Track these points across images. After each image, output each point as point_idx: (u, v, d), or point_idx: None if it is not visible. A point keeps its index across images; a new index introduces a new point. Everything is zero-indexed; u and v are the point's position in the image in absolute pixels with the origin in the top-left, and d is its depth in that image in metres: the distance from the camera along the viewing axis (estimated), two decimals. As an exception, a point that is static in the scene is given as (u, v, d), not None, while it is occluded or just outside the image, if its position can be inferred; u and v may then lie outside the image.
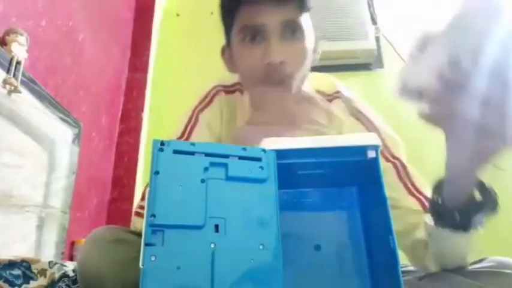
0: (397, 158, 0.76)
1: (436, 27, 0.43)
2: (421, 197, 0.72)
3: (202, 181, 0.43)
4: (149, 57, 1.98)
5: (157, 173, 0.42)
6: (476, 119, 0.41)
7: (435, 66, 0.41)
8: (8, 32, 1.05)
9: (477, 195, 0.54)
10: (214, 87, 0.87)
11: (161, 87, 2.00)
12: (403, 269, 0.74)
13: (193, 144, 0.45)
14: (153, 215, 0.41)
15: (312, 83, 0.82)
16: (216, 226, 0.42)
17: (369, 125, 0.79)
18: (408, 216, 0.71)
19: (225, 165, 0.45)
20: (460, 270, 0.63)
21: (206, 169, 0.44)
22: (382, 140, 0.75)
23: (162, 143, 0.44)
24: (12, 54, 1.03)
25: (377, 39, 1.99)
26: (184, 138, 0.82)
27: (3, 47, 1.03)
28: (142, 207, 0.74)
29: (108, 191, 1.71)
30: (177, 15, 2.17)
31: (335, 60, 1.92)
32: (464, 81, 0.40)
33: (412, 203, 0.72)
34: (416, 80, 0.43)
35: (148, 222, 0.40)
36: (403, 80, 0.44)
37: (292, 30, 0.71)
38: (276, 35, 0.70)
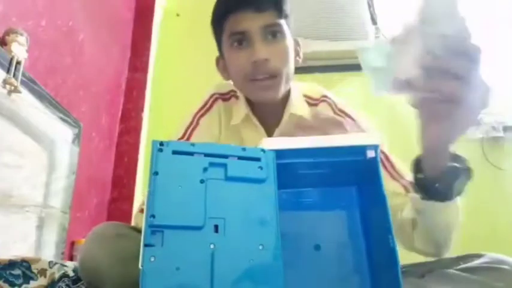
0: None
1: (411, 20, 0.47)
2: (403, 181, 0.79)
3: (202, 181, 0.43)
4: (149, 57, 1.98)
5: (156, 173, 0.42)
6: (451, 95, 0.47)
7: (416, 57, 0.46)
8: (8, 32, 1.05)
9: (452, 165, 0.59)
10: (212, 94, 0.93)
11: (161, 87, 2.00)
12: (403, 269, 0.74)
13: (192, 144, 0.45)
14: (153, 216, 0.41)
15: (301, 89, 0.91)
16: (216, 226, 0.41)
17: (349, 121, 0.86)
18: (392, 199, 0.74)
19: (224, 166, 0.44)
20: (458, 266, 0.64)
21: (205, 169, 0.44)
22: (362, 131, 0.82)
23: (162, 144, 0.44)
24: (12, 54, 1.03)
25: (377, 39, 1.99)
26: (184, 139, 0.86)
27: (3, 47, 1.03)
28: None
29: (108, 191, 1.72)
30: (177, 15, 2.17)
31: (335, 60, 1.92)
32: (441, 65, 0.46)
33: (395, 186, 0.78)
34: (403, 73, 0.47)
35: (147, 223, 0.40)
36: (396, 77, 0.48)
37: (273, 32, 0.81)
38: (259, 38, 0.80)
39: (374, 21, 2.02)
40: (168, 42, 2.10)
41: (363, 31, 1.97)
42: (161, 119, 1.91)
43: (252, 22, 0.79)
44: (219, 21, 0.84)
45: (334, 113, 0.88)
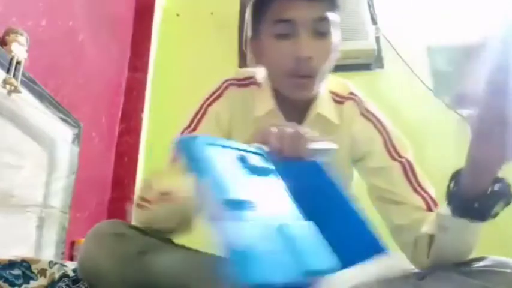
0: (403, 157, 0.80)
1: (491, 32, 0.47)
2: (425, 195, 0.75)
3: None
4: (149, 57, 1.98)
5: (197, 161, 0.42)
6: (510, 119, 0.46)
7: (486, 72, 0.45)
8: (8, 32, 1.05)
9: (494, 187, 0.56)
10: (225, 81, 0.88)
11: (161, 87, 2.00)
12: (405, 271, 0.74)
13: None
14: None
15: (328, 84, 0.85)
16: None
17: (377, 125, 0.83)
18: (413, 212, 0.74)
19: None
20: (460, 269, 0.63)
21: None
22: (390, 140, 0.80)
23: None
24: (12, 54, 1.03)
25: (377, 39, 1.99)
26: (191, 129, 0.83)
27: (3, 47, 1.03)
28: (144, 199, 0.75)
29: (108, 191, 1.71)
30: (177, 15, 2.17)
31: (335, 60, 1.92)
32: (509, 86, 0.45)
33: (417, 200, 0.75)
34: (469, 84, 0.46)
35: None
36: (459, 91, 0.47)
37: (322, 27, 0.75)
38: (306, 31, 0.73)
39: (374, 21, 2.01)
40: (168, 42, 2.10)
41: (362, 31, 1.97)
42: (161, 119, 1.91)
43: (301, 11, 0.73)
44: (264, 2, 0.76)
45: (361, 113, 0.84)
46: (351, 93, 0.86)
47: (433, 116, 1.85)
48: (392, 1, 2.12)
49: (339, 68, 2.18)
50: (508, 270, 0.60)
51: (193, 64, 2.00)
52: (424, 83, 1.88)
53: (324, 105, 0.83)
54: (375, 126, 0.83)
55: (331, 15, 0.76)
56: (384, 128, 0.83)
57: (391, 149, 0.80)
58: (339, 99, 0.86)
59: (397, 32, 2.00)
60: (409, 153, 0.81)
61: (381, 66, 1.99)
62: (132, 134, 1.83)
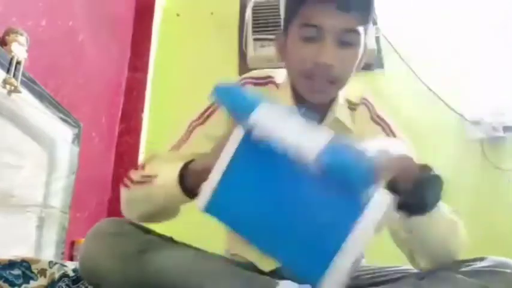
0: None
1: None
2: None
3: None
4: (149, 57, 1.98)
5: None
6: None
7: None
8: (8, 32, 1.05)
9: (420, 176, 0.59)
10: (242, 78, 0.89)
11: (161, 87, 2.00)
12: (404, 271, 0.75)
13: None
14: None
15: (345, 93, 0.86)
16: None
17: (386, 129, 0.85)
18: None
19: None
20: (459, 269, 0.63)
21: None
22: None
23: None
24: (12, 54, 1.03)
25: (377, 39, 1.99)
26: (198, 122, 0.85)
27: (3, 47, 1.03)
28: (129, 179, 0.77)
29: (108, 191, 1.72)
30: (177, 15, 2.17)
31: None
32: None
33: None
34: None
35: None
36: None
37: (349, 38, 0.74)
38: (332, 39, 0.73)
39: (374, 21, 2.01)
40: (168, 42, 2.10)
41: (363, 31, 1.97)
42: (161, 119, 1.91)
43: (330, 20, 0.72)
44: (298, 2, 0.77)
45: (372, 118, 0.86)
46: (364, 99, 0.88)
47: (433, 116, 1.85)
48: (392, 1, 2.11)
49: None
50: (508, 271, 0.60)
51: (193, 64, 2.00)
52: (424, 83, 1.88)
53: (341, 111, 0.84)
54: (384, 130, 0.85)
55: (361, 29, 0.75)
56: (393, 133, 0.85)
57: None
58: (353, 107, 0.88)
59: (397, 32, 2.00)
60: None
61: (381, 66, 1.99)
62: (132, 134, 1.83)
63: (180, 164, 0.69)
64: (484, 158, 1.76)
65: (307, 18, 0.75)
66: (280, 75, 0.88)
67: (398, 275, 0.75)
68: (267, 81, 0.88)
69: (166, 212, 0.77)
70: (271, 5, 1.98)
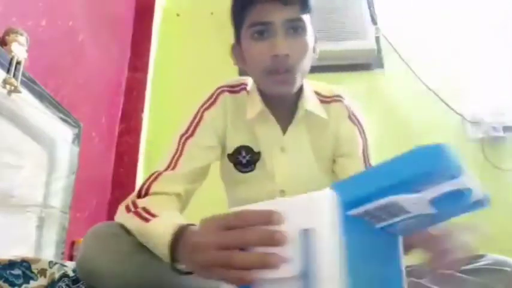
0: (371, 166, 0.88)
1: None
2: None
3: None
4: (149, 57, 1.98)
5: None
6: None
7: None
8: (8, 32, 1.05)
9: None
10: (218, 88, 0.93)
11: (161, 87, 2.00)
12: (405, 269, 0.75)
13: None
14: None
15: (312, 86, 0.93)
16: None
17: (361, 130, 0.92)
18: None
19: None
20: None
21: None
22: (367, 147, 0.91)
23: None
24: (12, 54, 1.03)
25: (377, 39, 1.99)
26: (188, 134, 0.87)
27: (3, 47, 1.03)
28: (133, 204, 0.75)
29: (108, 191, 1.72)
30: (177, 15, 2.17)
31: (335, 60, 1.92)
32: None
33: None
34: None
35: None
36: None
37: (295, 27, 0.81)
38: (281, 31, 0.79)
39: (374, 21, 2.02)
40: (168, 42, 2.10)
41: (362, 31, 1.98)
42: (161, 119, 1.91)
43: (276, 14, 0.79)
44: (242, 8, 0.83)
45: (349, 116, 0.91)
46: (338, 96, 0.93)
47: (433, 116, 1.85)
48: (392, 1, 2.12)
49: (339, 68, 2.19)
50: (507, 269, 0.60)
51: (193, 64, 2.00)
52: (424, 83, 1.88)
53: (310, 103, 0.88)
54: (359, 131, 0.92)
55: (305, 16, 0.81)
56: (365, 135, 0.91)
57: (366, 156, 0.90)
58: (324, 99, 0.92)
59: (397, 32, 2.01)
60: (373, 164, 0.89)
61: (381, 66, 1.99)
62: (132, 134, 1.83)
63: (175, 230, 0.59)
64: (484, 158, 1.76)
65: (256, 17, 0.80)
66: (250, 81, 0.93)
67: None
68: (240, 88, 0.93)
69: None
70: (271, 5, 1.98)
